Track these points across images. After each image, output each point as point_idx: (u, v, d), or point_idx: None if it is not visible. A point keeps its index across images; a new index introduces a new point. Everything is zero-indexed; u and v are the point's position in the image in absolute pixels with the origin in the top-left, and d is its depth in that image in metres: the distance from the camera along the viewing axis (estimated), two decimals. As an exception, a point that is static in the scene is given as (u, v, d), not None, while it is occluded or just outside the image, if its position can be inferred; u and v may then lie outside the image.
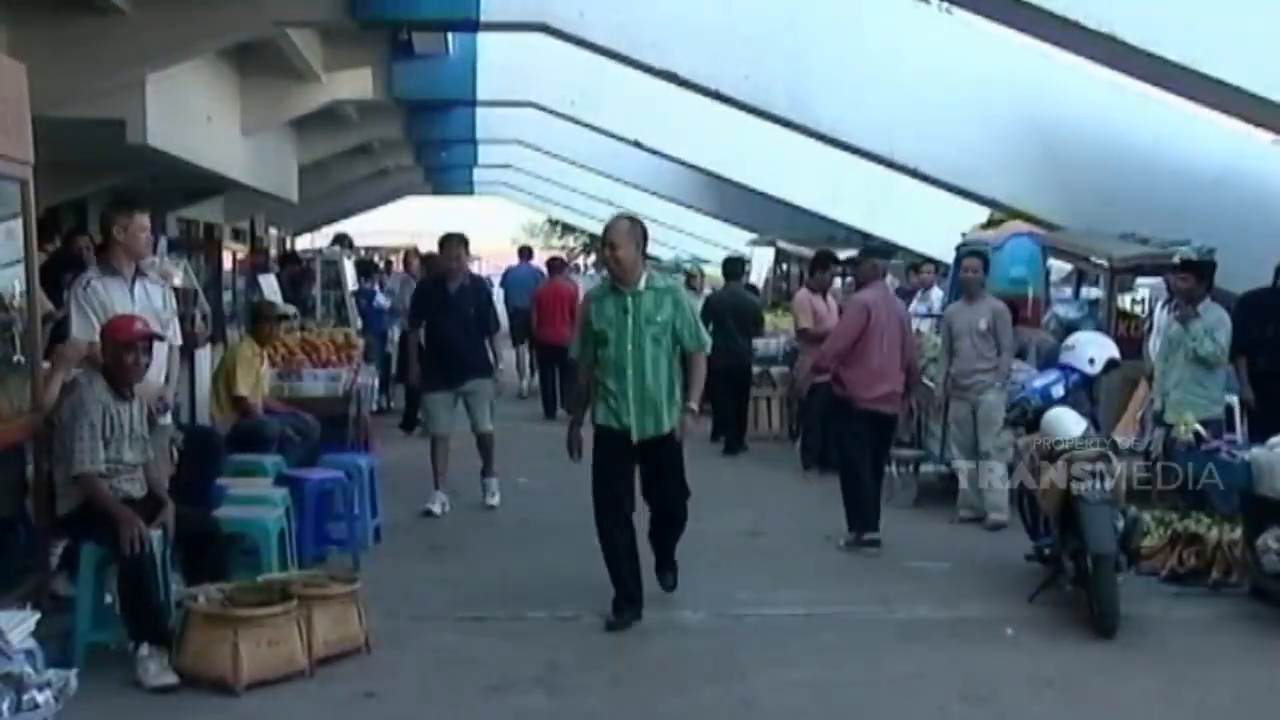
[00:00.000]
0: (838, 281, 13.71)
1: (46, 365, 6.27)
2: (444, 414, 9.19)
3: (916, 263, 16.25)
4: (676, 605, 6.68)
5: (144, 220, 6.62)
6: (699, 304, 10.93)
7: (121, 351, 5.83)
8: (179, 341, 6.95)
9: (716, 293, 13.48)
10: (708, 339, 6.63)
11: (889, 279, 10.48)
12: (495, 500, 9.30)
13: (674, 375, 6.42)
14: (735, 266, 13.73)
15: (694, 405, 6.50)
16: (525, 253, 18.64)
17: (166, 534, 5.72)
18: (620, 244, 6.35)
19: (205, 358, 10.17)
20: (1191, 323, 8.43)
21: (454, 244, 9.38)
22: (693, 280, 15.68)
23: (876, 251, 9.88)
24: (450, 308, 9.13)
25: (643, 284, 6.40)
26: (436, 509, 8.98)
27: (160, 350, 6.42)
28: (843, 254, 13.45)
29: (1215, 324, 8.48)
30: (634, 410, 6.32)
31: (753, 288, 16.76)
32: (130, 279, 6.56)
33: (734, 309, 12.36)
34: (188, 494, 6.69)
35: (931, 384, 9.48)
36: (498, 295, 19.95)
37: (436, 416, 9.22)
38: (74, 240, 10.04)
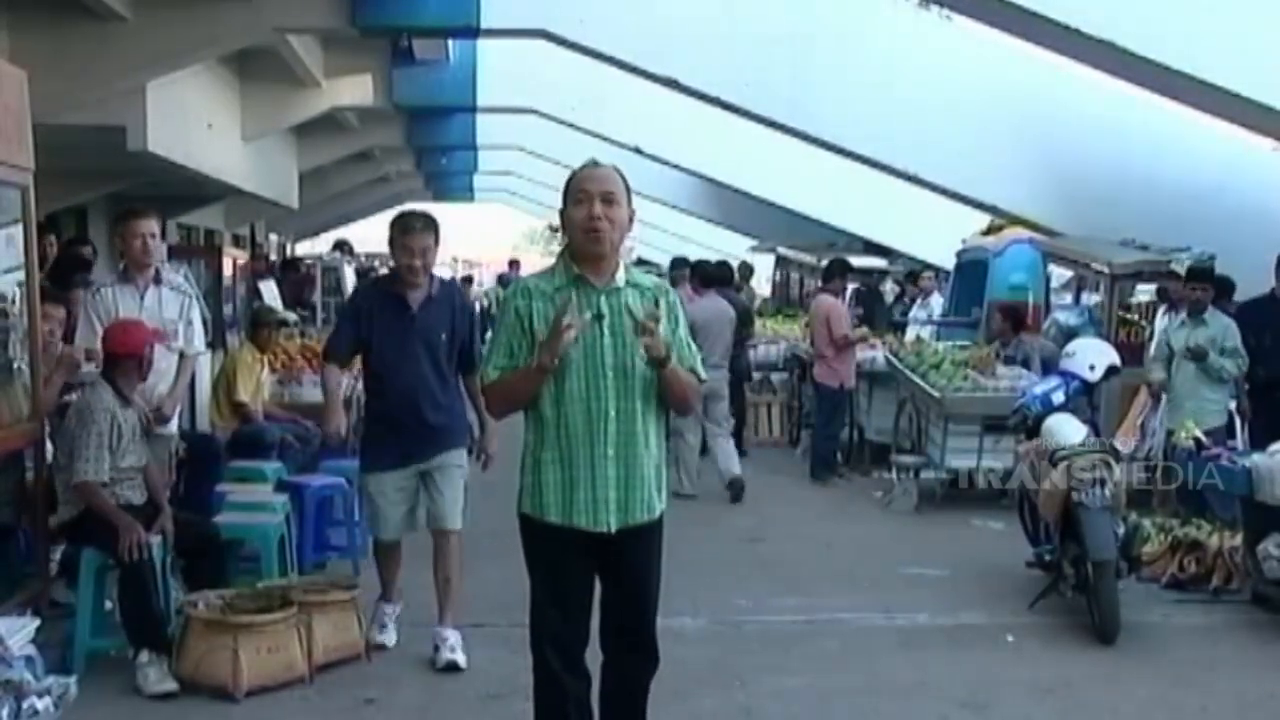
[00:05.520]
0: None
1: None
2: (394, 507, 5.89)
3: (916, 270, 16.27)
4: (675, 612, 6.61)
5: (139, 226, 6.59)
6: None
7: (121, 358, 5.84)
8: (196, 350, 6.85)
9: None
10: (702, 370, 4.20)
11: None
12: (459, 657, 5.77)
13: (661, 427, 4.11)
14: (723, 271, 13.16)
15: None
16: (514, 265, 20.22)
17: (166, 540, 5.72)
18: (618, 199, 3.93)
19: (205, 364, 10.17)
20: (1208, 358, 8.41)
21: (416, 229, 5.73)
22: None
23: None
24: (409, 335, 5.76)
25: (621, 277, 4.02)
26: (389, 639, 6.02)
27: (164, 359, 6.42)
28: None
29: (1222, 333, 8.48)
30: (614, 478, 3.91)
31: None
32: (143, 286, 6.57)
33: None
34: (188, 500, 6.73)
35: (934, 392, 9.49)
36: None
37: (383, 513, 5.91)
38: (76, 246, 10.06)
